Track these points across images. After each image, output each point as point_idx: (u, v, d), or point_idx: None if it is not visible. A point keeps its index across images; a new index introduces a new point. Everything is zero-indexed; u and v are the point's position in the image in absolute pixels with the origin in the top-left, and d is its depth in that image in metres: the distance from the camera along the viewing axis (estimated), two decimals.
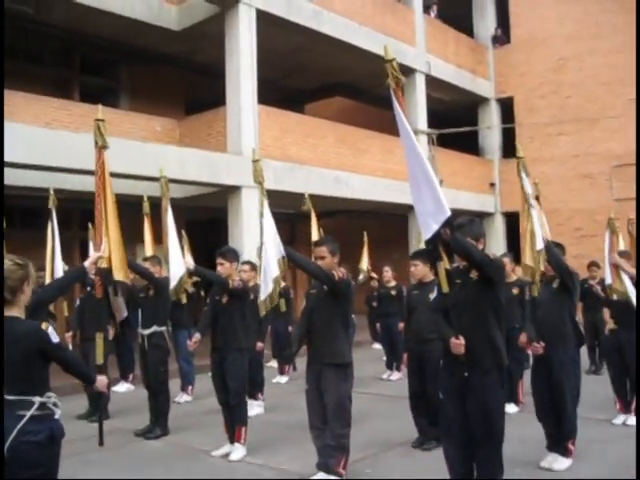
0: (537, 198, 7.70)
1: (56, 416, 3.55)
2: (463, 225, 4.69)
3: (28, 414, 3.42)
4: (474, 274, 4.61)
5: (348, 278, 5.66)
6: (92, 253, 9.95)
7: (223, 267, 6.60)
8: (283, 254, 5.75)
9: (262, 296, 6.07)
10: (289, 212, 17.40)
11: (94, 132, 4.90)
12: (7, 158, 10.40)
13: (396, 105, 4.41)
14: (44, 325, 3.51)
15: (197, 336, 6.74)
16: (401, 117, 4.40)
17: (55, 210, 9.21)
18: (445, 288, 4.52)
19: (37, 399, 3.47)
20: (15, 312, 3.54)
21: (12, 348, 3.46)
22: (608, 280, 7.54)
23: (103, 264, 4.79)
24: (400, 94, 4.42)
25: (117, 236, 5.22)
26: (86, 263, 4.51)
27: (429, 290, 6.48)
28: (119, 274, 5.17)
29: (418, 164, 4.34)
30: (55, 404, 3.55)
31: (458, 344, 4.49)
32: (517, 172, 6.26)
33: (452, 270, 4.69)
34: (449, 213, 4.19)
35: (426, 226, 4.27)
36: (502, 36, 22.53)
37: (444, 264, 4.48)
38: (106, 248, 4.75)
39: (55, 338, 3.52)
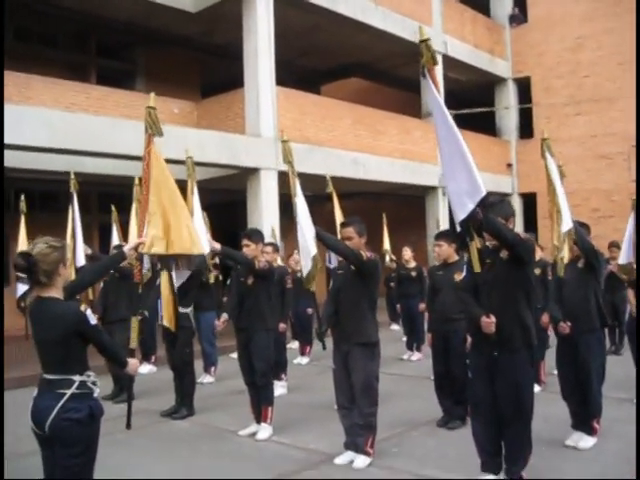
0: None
1: (95, 395, 3.62)
2: (494, 204, 4.71)
3: (69, 392, 3.49)
4: (504, 254, 4.64)
5: (376, 259, 5.68)
6: (115, 235, 10.06)
7: (249, 248, 6.62)
8: (313, 233, 5.80)
9: (304, 272, 6.32)
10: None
11: (145, 119, 4.84)
12: (28, 142, 10.47)
13: (431, 85, 4.39)
14: (82, 307, 3.55)
15: (224, 316, 6.80)
16: (436, 97, 4.39)
17: (76, 194, 9.25)
18: (477, 267, 4.54)
19: (77, 378, 3.54)
20: (53, 293, 3.59)
21: (50, 329, 3.53)
22: (621, 260, 7.56)
23: (153, 248, 4.76)
24: (435, 74, 4.40)
25: (186, 214, 5.22)
26: (126, 248, 4.50)
27: (454, 270, 6.53)
28: (195, 248, 5.20)
29: (454, 143, 4.34)
30: (94, 383, 3.62)
31: (489, 323, 4.53)
32: (541, 153, 6.22)
33: (482, 249, 4.71)
34: (485, 192, 4.21)
35: (461, 205, 4.28)
36: (519, 15, 22.31)
37: (475, 243, 4.49)
38: (149, 232, 4.72)
39: (93, 320, 3.56)
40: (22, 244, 9.41)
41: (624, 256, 7.55)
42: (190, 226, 5.17)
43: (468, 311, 4.91)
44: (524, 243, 4.58)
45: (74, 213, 9.18)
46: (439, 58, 18.83)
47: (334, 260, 9.77)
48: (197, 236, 5.36)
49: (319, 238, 5.70)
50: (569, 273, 6.15)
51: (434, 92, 4.40)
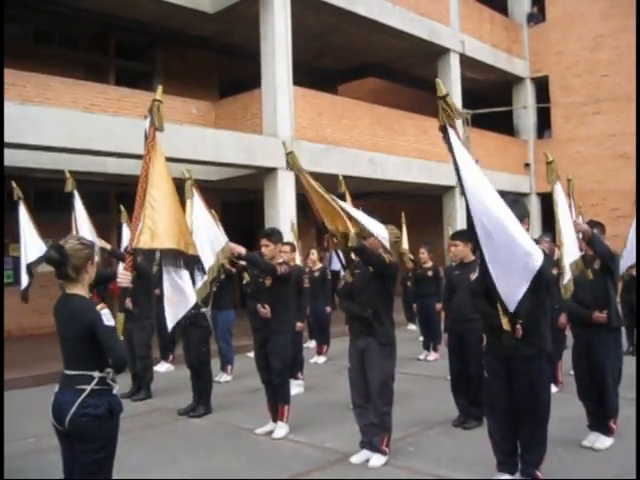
0: (569, 195, 7.57)
1: (114, 391, 3.67)
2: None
3: (89, 388, 3.54)
4: None
5: (396, 261, 5.70)
6: (125, 235, 10.02)
7: (268, 248, 6.63)
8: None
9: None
10: None
11: (153, 112, 4.75)
12: (47, 142, 10.58)
13: (454, 139, 4.23)
14: (99, 306, 3.58)
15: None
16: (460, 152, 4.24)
17: (77, 193, 9.05)
18: None
19: (97, 374, 3.58)
20: (78, 290, 3.66)
21: (71, 325, 3.60)
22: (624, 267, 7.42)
23: (150, 243, 4.60)
24: (457, 130, 4.23)
25: (181, 212, 5.05)
26: (119, 271, 4.36)
27: (470, 270, 6.51)
28: (191, 248, 5.05)
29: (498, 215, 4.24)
30: (113, 379, 3.65)
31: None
32: (547, 179, 6.00)
33: None
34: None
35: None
36: (537, 14, 22.22)
37: None
38: (146, 227, 4.54)
39: (108, 321, 3.56)
40: (30, 237, 9.09)
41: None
42: (184, 225, 5.02)
43: (486, 317, 4.91)
44: (551, 259, 4.60)
45: (75, 213, 8.93)
46: (456, 57, 18.89)
47: (336, 262, 9.71)
48: (191, 237, 5.22)
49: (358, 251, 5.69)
50: (584, 274, 6.08)
51: (460, 150, 4.22)
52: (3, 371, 8.47)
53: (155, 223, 4.52)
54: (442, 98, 4.17)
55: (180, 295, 6.09)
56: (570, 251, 5.66)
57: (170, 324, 6.28)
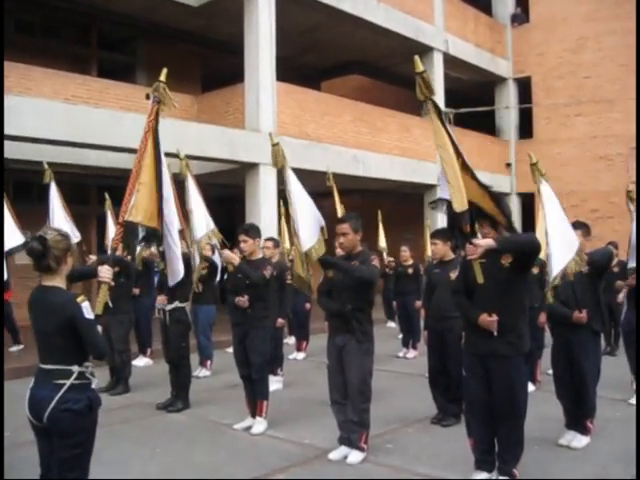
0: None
1: (93, 385, 3.62)
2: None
3: (68, 383, 3.49)
4: (506, 260, 4.66)
5: (378, 268, 5.71)
6: (110, 223, 9.96)
7: (246, 244, 6.61)
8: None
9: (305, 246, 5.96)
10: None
11: (160, 92, 4.75)
12: (28, 133, 10.48)
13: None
14: (80, 298, 3.54)
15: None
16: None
17: (55, 184, 9.03)
18: (480, 279, 4.58)
19: (76, 368, 3.53)
20: (57, 282, 3.61)
21: (50, 318, 3.53)
22: (632, 264, 7.32)
23: (136, 217, 4.56)
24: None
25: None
26: (100, 268, 4.23)
27: (450, 269, 6.55)
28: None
29: None
30: (92, 374, 3.61)
31: (492, 321, 4.59)
32: (533, 179, 6.05)
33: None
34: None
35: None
36: (521, 15, 22.34)
37: (479, 260, 4.55)
38: (136, 205, 4.52)
39: (89, 314, 3.53)
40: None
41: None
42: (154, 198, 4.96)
43: (465, 314, 4.94)
44: (539, 245, 4.65)
45: (52, 204, 8.89)
46: (440, 56, 18.95)
47: None
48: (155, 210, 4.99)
49: (331, 266, 5.76)
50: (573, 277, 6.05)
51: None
52: (3, 370, 8.32)
53: (143, 199, 4.56)
54: (419, 74, 4.27)
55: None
56: (559, 252, 5.68)
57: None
